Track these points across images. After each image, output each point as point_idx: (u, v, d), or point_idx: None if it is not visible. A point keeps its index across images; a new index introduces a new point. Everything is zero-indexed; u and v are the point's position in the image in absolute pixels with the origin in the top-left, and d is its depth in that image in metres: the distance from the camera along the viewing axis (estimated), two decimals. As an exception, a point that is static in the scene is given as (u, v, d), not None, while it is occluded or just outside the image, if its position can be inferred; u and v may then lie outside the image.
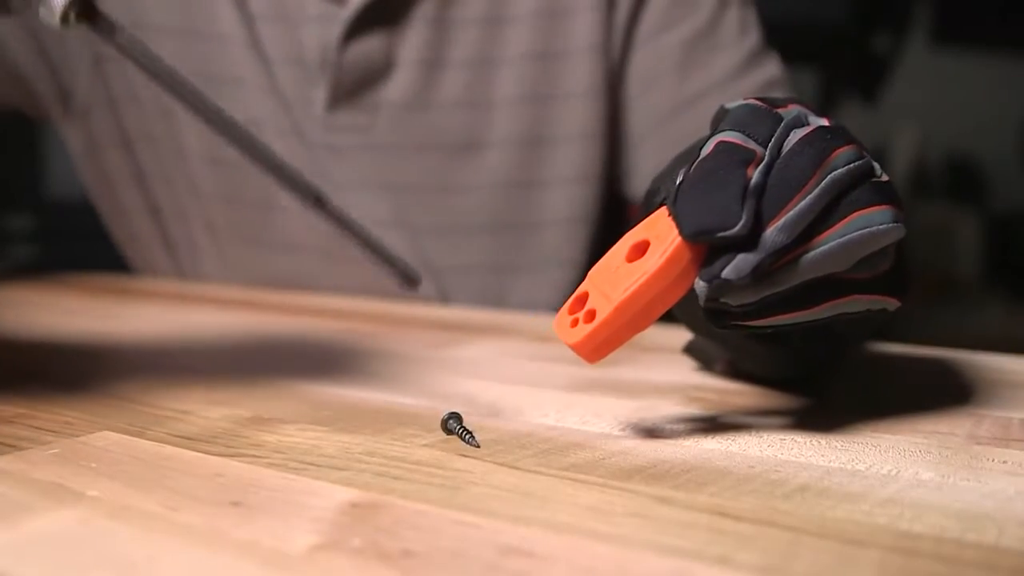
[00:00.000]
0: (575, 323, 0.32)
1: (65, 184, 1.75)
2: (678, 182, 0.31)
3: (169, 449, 0.32)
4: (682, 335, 0.46)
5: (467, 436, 0.33)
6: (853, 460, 0.31)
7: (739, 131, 0.31)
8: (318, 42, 0.68)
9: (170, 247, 0.79)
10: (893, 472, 0.30)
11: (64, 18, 0.34)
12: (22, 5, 0.34)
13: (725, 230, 0.29)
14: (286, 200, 0.72)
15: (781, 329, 0.32)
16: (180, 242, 0.78)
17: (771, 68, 0.70)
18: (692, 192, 0.30)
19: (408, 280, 0.33)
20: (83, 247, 1.09)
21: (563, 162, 0.70)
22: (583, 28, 0.69)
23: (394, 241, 0.71)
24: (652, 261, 0.31)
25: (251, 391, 0.40)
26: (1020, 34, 2.78)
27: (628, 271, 0.31)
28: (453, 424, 0.34)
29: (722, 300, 0.31)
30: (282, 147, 0.70)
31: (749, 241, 0.29)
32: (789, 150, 0.31)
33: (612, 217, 0.74)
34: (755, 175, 0.30)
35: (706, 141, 0.32)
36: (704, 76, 0.69)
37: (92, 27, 0.35)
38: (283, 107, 0.70)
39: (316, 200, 0.34)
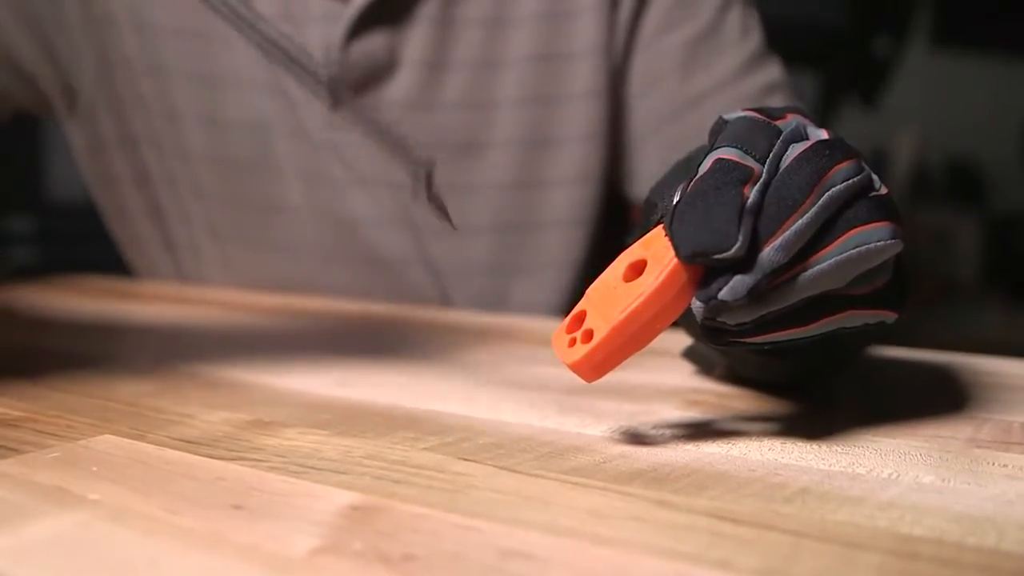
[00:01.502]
0: (573, 342, 0.33)
1: (65, 186, 1.76)
2: (675, 201, 0.32)
3: (170, 453, 0.32)
4: (682, 339, 0.46)
5: None
6: (854, 464, 0.31)
7: (737, 147, 0.31)
8: (321, 41, 0.68)
9: (171, 249, 0.79)
10: (894, 476, 0.30)
11: None
12: None
13: (721, 252, 0.29)
14: (289, 202, 0.72)
15: (779, 345, 0.32)
16: (182, 244, 0.78)
17: (772, 71, 0.70)
18: (688, 212, 0.30)
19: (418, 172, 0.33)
20: (83, 249, 1.09)
21: (566, 163, 0.70)
22: (586, 30, 0.69)
23: (396, 240, 0.71)
24: (649, 281, 0.31)
25: (252, 394, 0.41)
26: (1020, 37, 2.78)
27: (625, 291, 0.31)
28: None
29: (719, 319, 0.31)
30: (286, 146, 0.70)
31: (746, 261, 0.30)
32: (786, 168, 0.31)
33: (614, 218, 0.74)
34: (752, 194, 0.30)
35: (703, 157, 0.32)
36: (706, 77, 0.69)
37: None
38: (287, 106, 0.70)
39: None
